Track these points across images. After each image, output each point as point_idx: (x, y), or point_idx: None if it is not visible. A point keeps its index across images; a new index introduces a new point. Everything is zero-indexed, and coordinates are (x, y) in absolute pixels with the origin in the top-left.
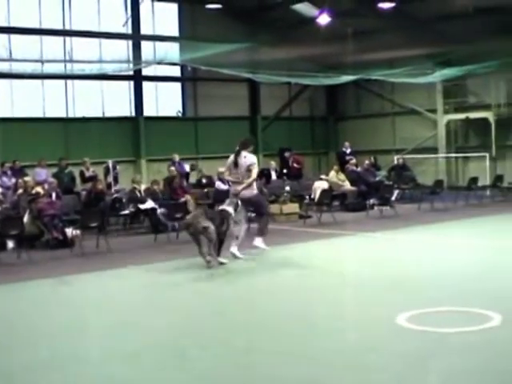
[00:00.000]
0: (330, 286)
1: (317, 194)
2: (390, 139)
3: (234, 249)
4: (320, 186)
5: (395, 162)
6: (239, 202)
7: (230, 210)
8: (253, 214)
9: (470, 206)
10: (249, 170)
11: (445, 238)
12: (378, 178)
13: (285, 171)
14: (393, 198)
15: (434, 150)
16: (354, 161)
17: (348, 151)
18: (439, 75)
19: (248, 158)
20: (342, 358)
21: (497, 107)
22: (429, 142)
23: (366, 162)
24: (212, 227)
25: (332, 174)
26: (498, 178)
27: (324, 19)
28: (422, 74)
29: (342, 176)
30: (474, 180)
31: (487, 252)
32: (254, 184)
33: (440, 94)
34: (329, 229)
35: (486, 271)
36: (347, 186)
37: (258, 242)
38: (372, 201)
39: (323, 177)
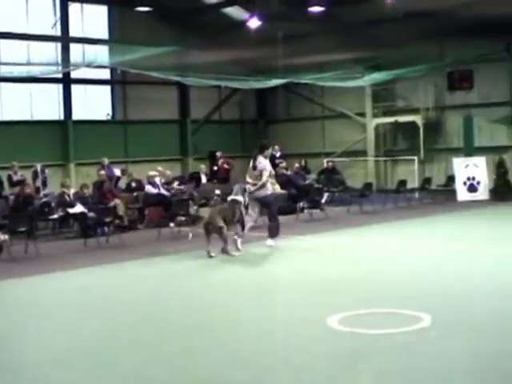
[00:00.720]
0: (262, 288)
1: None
2: (319, 142)
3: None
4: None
5: (325, 165)
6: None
7: (240, 198)
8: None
9: (399, 208)
10: (261, 173)
11: (375, 240)
12: (307, 181)
13: (215, 168)
14: (323, 201)
15: (363, 153)
16: (283, 164)
17: (278, 154)
18: (368, 79)
19: (261, 164)
20: (272, 359)
21: (425, 111)
22: (358, 145)
23: (296, 165)
24: (225, 228)
25: None
26: (427, 181)
27: (254, 23)
28: (352, 77)
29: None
30: (403, 183)
31: (417, 253)
32: (268, 185)
33: (369, 98)
34: (259, 232)
35: (416, 272)
36: (277, 189)
37: (270, 242)
38: (302, 204)
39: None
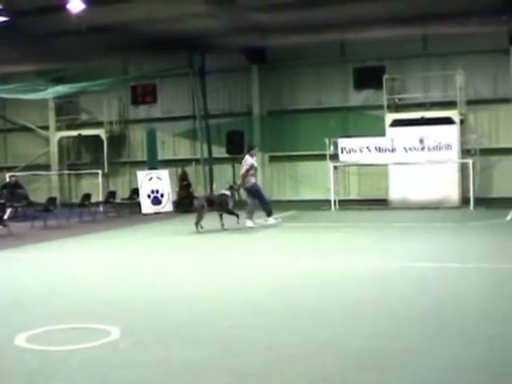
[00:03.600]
0: None
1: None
2: (1, 156)
3: (248, 223)
4: None
5: (7, 179)
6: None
7: (228, 192)
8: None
9: (84, 222)
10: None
11: (60, 254)
12: None
13: None
14: (5, 217)
15: (47, 167)
16: None
17: None
18: (52, 92)
19: (246, 160)
20: None
21: (109, 124)
22: (42, 158)
23: None
24: (205, 208)
25: None
26: (111, 194)
27: None
28: (34, 90)
29: None
30: (87, 196)
31: (104, 266)
32: (250, 178)
33: (52, 111)
34: None
35: (105, 285)
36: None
37: (249, 223)
38: None
39: None
